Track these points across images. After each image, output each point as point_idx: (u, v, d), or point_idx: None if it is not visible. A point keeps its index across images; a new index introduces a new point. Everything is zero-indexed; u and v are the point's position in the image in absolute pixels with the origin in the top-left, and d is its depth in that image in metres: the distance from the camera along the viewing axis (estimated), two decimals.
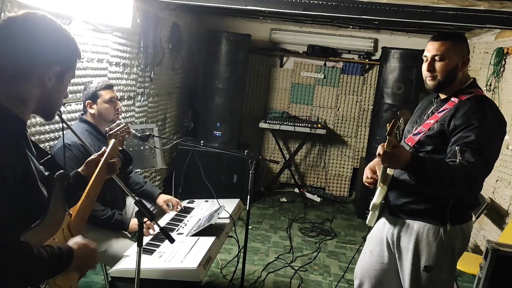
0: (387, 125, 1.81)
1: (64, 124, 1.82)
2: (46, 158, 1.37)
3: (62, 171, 1.33)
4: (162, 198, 2.79)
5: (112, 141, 1.83)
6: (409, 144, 2.00)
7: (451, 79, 1.93)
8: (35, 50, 1.20)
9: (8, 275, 1.07)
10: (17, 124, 1.20)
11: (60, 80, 1.27)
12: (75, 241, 1.32)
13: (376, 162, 2.12)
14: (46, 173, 1.33)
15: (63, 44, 1.26)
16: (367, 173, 2.13)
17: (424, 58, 1.97)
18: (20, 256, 1.09)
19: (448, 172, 1.76)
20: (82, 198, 1.54)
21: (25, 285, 1.15)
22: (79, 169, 1.66)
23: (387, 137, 1.78)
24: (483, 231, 3.93)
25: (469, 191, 1.89)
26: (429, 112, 2.03)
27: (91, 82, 2.55)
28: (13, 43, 1.18)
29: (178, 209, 2.78)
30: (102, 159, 1.67)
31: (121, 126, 1.95)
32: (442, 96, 2.01)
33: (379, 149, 1.76)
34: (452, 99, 1.94)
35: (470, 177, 1.75)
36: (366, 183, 2.13)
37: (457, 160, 1.76)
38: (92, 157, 1.68)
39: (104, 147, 1.69)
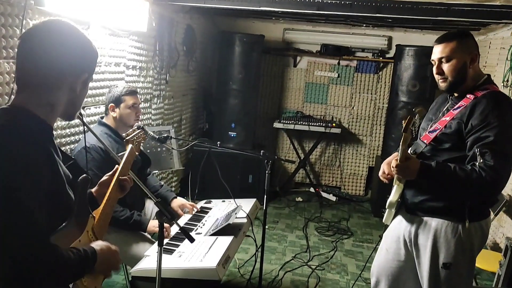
0: (403, 122, 1.82)
1: (85, 127, 1.86)
2: (70, 162, 1.41)
3: (85, 175, 1.37)
4: (176, 203, 2.79)
5: (130, 146, 1.87)
6: (425, 141, 2.00)
7: (462, 78, 1.93)
8: (69, 59, 1.24)
9: (40, 278, 1.09)
10: (46, 129, 1.24)
11: (86, 85, 1.33)
12: (98, 243, 1.35)
13: (393, 158, 2.11)
14: (71, 177, 1.36)
15: (90, 52, 1.31)
16: (384, 168, 2.11)
17: (432, 62, 2.00)
18: (51, 259, 1.12)
19: (462, 179, 1.79)
20: (104, 201, 1.57)
21: (56, 287, 1.18)
22: (93, 190, 1.63)
23: (403, 134, 1.80)
24: (502, 228, 3.88)
25: (492, 194, 1.90)
26: (444, 110, 2.03)
27: (116, 86, 2.60)
28: (47, 53, 1.21)
29: (193, 212, 2.79)
30: (116, 175, 1.64)
31: (137, 131, 1.99)
32: (457, 93, 2.00)
33: (393, 163, 1.87)
34: (468, 95, 1.93)
35: (490, 181, 1.76)
36: (382, 178, 2.13)
37: (477, 163, 1.77)
38: (104, 178, 1.66)
39: (116, 165, 1.71)
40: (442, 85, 1.99)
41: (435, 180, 1.86)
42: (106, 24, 3.00)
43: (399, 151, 1.87)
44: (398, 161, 1.85)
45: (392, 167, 1.88)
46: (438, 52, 1.95)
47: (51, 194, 1.16)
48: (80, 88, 1.30)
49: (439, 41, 1.96)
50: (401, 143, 1.83)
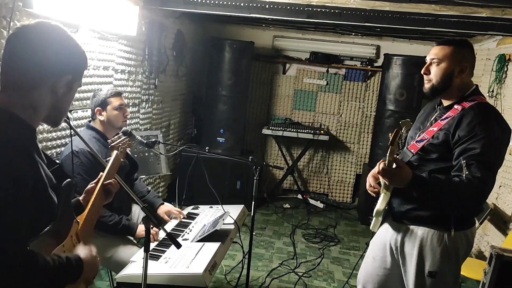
0: (390, 134, 1.83)
1: (72, 131, 1.84)
2: (54, 167, 1.39)
3: (69, 180, 1.34)
4: (162, 209, 2.76)
5: (115, 152, 1.86)
6: (412, 151, 2.01)
7: (446, 85, 1.95)
8: (49, 59, 1.21)
9: (14, 284, 1.07)
10: (28, 131, 1.22)
11: (70, 88, 1.29)
12: (83, 250, 1.32)
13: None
14: (55, 181, 1.34)
15: (75, 54, 1.29)
16: (370, 181, 2.12)
17: (426, 61, 2.02)
18: (27, 265, 1.09)
19: (452, 192, 1.80)
20: (89, 206, 1.55)
21: None
22: (80, 198, 1.61)
23: (389, 146, 1.80)
24: (486, 236, 3.93)
25: (477, 205, 1.94)
26: (432, 119, 2.04)
27: (101, 90, 2.58)
28: (27, 52, 1.20)
29: (180, 218, 2.76)
30: (100, 181, 1.62)
31: (123, 138, 1.98)
32: (445, 103, 2.02)
33: (380, 166, 1.84)
34: (455, 106, 1.95)
35: (477, 193, 1.78)
36: (369, 191, 2.15)
37: (464, 175, 1.78)
38: (90, 185, 1.64)
39: (101, 173, 1.68)
40: (426, 86, 2.00)
41: (426, 192, 1.85)
42: (95, 27, 2.98)
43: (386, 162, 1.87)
44: (388, 157, 1.82)
45: (378, 171, 1.86)
46: (433, 53, 1.98)
47: (32, 198, 1.14)
48: (64, 91, 1.27)
49: (439, 43, 1.98)
50: (387, 156, 1.83)
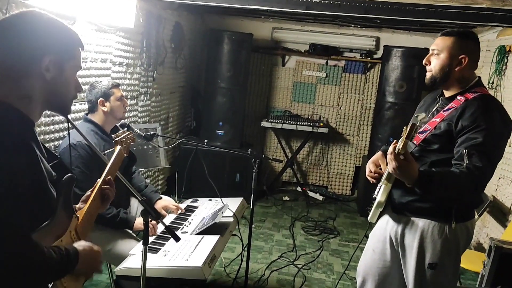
0: (404, 128, 1.78)
1: (70, 124, 1.83)
2: (55, 161, 1.38)
3: (70, 174, 1.33)
4: (159, 204, 2.75)
5: (118, 147, 1.84)
6: (415, 142, 1.99)
7: (444, 76, 1.93)
8: (26, 42, 1.18)
9: (20, 275, 1.07)
10: (27, 124, 1.20)
11: (60, 70, 1.24)
12: (80, 243, 1.32)
13: (379, 157, 2.12)
14: (54, 175, 1.33)
15: (53, 33, 1.23)
16: (370, 167, 2.10)
17: (430, 51, 2.01)
18: (33, 255, 1.09)
19: (454, 183, 1.79)
20: (89, 202, 1.54)
21: (36, 286, 1.15)
22: (76, 206, 1.55)
23: (405, 140, 1.74)
24: (486, 228, 3.94)
25: (474, 194, 1.94)
26: (434, 110, 2.03)
27: (100, 81, 2.59)
28: (7, 41, 1.17)
29: (178, 213, 2.75)
30: (102, 177, 1.60)
31: (127, 133, 1.97)
32: (447, 94, 2.01)
33: (392, 148, 1.75)
34: (458, 97, 1.93)
35: (477, 183, 1.79)
36: (369, 178, 2.12)
37: (464, 164, 1.77)
38: (87, 193, 1.58)
39: (100, 174, 1.64)
40: (426, 77, 2.00)
41: (431, 189, 1.82)
42: (92, 19, 2.95)
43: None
44: (400, 150, 1.71)
45: (389, 152, 1.76)
46: (435, 43, 1.97)
47: (32, 192, 1.13)
48: (53, 74, 1.22)
49: (441, 33, 1.97)
50: (400, 148, 1.76)
